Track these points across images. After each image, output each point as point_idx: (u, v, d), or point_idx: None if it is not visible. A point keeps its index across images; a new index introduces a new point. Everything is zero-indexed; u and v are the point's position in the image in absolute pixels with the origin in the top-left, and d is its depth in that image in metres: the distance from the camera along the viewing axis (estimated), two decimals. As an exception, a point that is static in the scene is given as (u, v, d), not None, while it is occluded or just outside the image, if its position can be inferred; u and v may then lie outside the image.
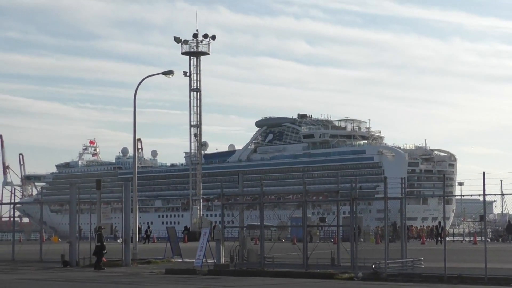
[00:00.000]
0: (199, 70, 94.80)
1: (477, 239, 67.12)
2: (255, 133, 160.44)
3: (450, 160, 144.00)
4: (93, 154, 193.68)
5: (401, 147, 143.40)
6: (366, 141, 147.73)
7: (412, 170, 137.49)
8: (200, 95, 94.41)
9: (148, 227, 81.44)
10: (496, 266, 29.44)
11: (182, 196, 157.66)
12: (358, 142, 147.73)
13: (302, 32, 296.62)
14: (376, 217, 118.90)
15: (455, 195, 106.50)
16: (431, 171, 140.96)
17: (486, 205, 28.67)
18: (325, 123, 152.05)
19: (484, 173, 27.18)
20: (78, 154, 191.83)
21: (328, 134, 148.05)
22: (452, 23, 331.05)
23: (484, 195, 27.54)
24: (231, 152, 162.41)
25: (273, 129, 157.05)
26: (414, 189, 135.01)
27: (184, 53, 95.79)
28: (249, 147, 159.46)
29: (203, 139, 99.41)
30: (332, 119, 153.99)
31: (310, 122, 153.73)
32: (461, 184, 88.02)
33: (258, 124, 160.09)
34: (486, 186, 27.32)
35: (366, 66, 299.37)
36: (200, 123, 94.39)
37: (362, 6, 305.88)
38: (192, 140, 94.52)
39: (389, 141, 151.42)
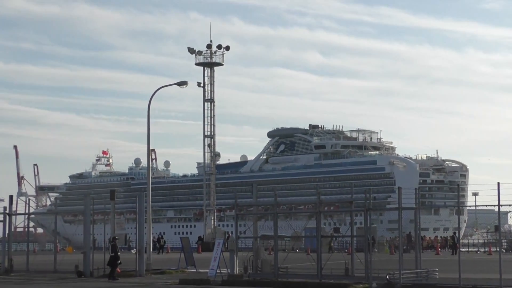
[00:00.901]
0: (213, 81, 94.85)
1: (492, 249, 66.89)
2: (267, 143, 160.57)
3: (461, 171, 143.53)
4: (106, 165, 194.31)
5: (413, 158, 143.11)
6: (377, 152, 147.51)
7: (424, 180, 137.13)
8: (214, 105, 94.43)
9: (161, 237, 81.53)
10: (511, 277, 29.36)
11: (195, 206, 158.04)
12: (369, 152, 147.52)
13: (315, 43, 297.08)
14: (388, 227, 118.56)
15: (470, 206, 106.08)
16: (442, 181, 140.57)
17: (501, 215, 28.59)
18: (337, 134, 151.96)
19: (498, 183, 27.13)
20: (91, 164, 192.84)
21: (340, 145, 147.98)
22: (465, 33, 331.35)
23: (499, 205, 27.48)
24: (243, 162, 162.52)
25: (285, 140, 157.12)
26: (425, 199, 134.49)
27: (198, 64, 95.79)
28: (261, 157, 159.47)
29: (216, 149, 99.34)
30: (345, 129, 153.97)
31: (321, 132, 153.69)
32: (475, 194, 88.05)
33: (270, 134, 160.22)
34: (500, 196, 27.29)
35: (380, 77, 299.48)
36: (214, 134, 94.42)
37: (376, 17, 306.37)
38: (206, 151, 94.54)
39: (402, 151, 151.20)
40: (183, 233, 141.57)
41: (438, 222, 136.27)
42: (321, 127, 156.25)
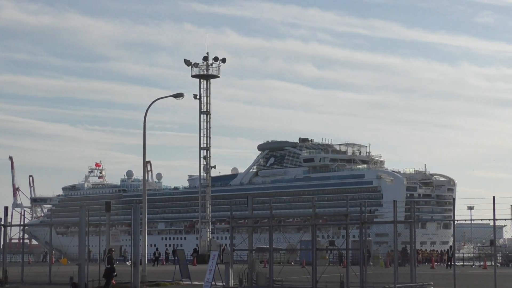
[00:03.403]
0: (209, 93, 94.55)
1: (487, 263, 67.07)
2: (257, 156, 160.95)
3: (449, 185, 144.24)
4: (99, 177, 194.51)
5: (401, 172, 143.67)
6: (365, 165, 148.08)
7: (411, 194, 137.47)
8: (210, 118, 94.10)
9: (157, 249, 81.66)
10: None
11: (185, 219, 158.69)
12: (357, 166, 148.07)
13: (309, 55, 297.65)
14: (375, 240, 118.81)
15: (465, 220, 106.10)
16: (429, 195, 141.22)
17: (496, 229, 28.85)
18: (326, 147, 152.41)
19: (494, 197, 27.39)
20: (84, 176, 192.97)
21: (328, 158, 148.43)
22: (460, 47, 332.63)
23: (494, 219, 27.72)
24: (234, 175, 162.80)
25: (274, 153, 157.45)
26: (412, 213, 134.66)
27: (194, 76, 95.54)
28: (251, 170, 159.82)
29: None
30: (336, 143, 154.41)
31: (311, 146, 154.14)
32: (471, 208, 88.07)
33: (260, 147, 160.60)
34: (495, 210, 27.51)
35: (374, 90, 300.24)
36: (210, 146, 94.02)
37: (370, 30, 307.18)
38: (202, 163, 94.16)
39: (394, 165, 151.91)
40: (174, 245, 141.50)
41: (425, 235, 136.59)
42: (310, 140, 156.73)
